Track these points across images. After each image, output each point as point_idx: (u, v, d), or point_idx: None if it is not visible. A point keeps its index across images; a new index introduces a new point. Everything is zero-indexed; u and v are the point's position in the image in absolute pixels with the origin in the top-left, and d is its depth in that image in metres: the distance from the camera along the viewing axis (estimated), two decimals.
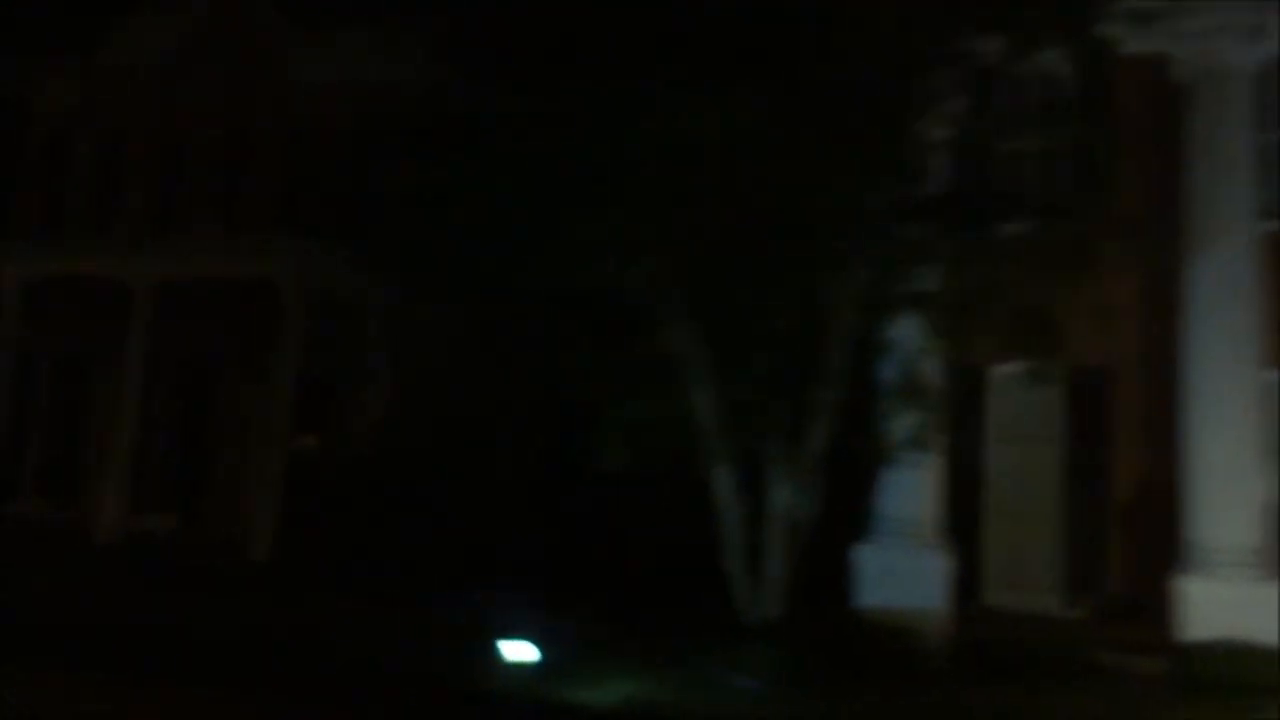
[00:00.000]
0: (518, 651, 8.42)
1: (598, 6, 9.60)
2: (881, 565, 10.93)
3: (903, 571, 10.83)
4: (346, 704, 8.00)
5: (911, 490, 11.14)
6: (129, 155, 19.06)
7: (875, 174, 8.92)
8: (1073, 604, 13.18)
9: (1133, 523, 12.87)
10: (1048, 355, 10.24)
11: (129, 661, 9.27)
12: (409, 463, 14.80)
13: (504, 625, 8.75)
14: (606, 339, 10.04)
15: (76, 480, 18.57)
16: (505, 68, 9.49)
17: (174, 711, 8.00)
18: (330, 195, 16.99)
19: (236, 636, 10.23)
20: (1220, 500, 11.11)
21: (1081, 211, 11.12)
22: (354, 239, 16.14)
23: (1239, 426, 11.15)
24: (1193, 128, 11.70)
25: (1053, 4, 9.61)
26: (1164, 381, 12.09)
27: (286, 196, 17.58)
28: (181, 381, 17.74)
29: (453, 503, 13.86)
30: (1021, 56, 9.17)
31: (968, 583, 12.28)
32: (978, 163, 11.02)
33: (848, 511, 11.88)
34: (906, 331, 10.57)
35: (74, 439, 18.75)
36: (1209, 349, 11.37)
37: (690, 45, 8.61)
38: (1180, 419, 11.65)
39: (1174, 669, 10.02)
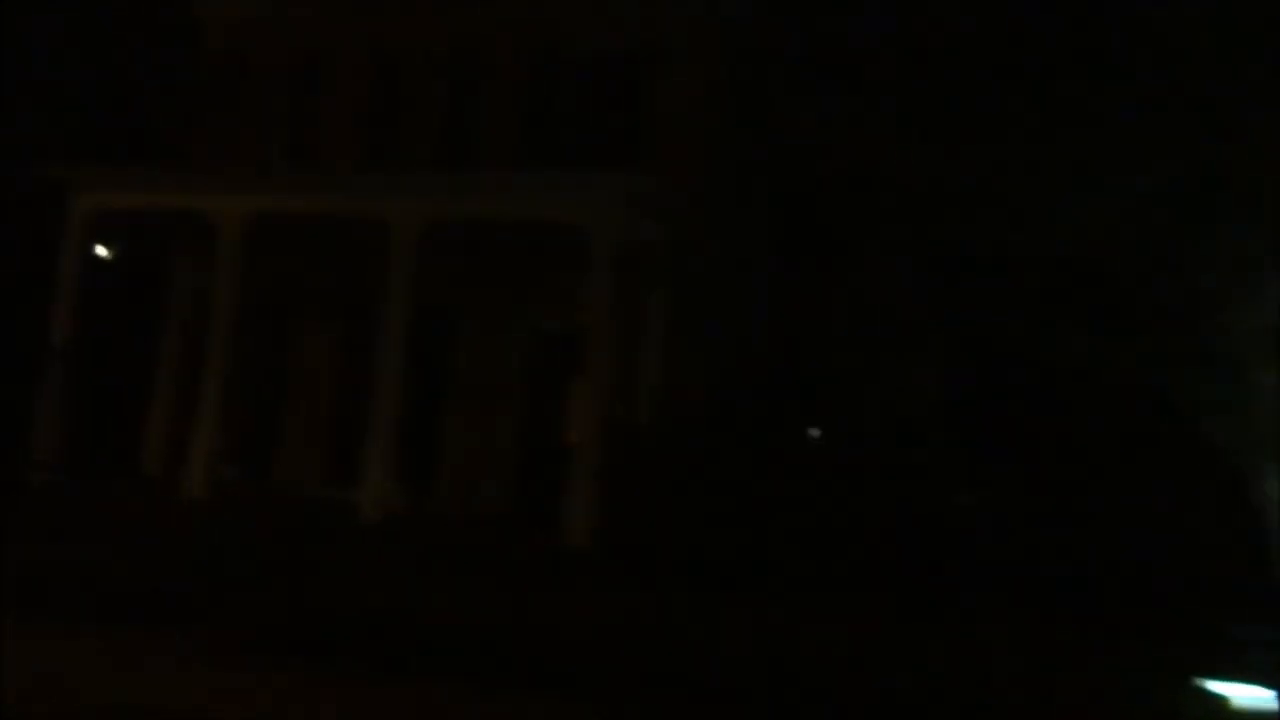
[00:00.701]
0: (1250, 697, 6.84)
1: None
2: None
3: None
4: None
5: None
6: (340, 77, 16.79)
7: None
8: None
9: None
10: None
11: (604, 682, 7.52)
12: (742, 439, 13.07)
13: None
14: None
15: (272, 449, 16.45)
16: None
17: None
18: (607, 126, 15.05)
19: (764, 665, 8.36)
20: None
21: None
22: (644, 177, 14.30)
23: None
24: None
25: None
26: None
27: (553, 128, 15.55)
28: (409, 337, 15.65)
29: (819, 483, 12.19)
30: None
31: None
32: None
33: None
34: None
35: (268, 402, 16.57)
36: None
37: None
38: None
39: None
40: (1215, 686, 6.95)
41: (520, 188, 13.34)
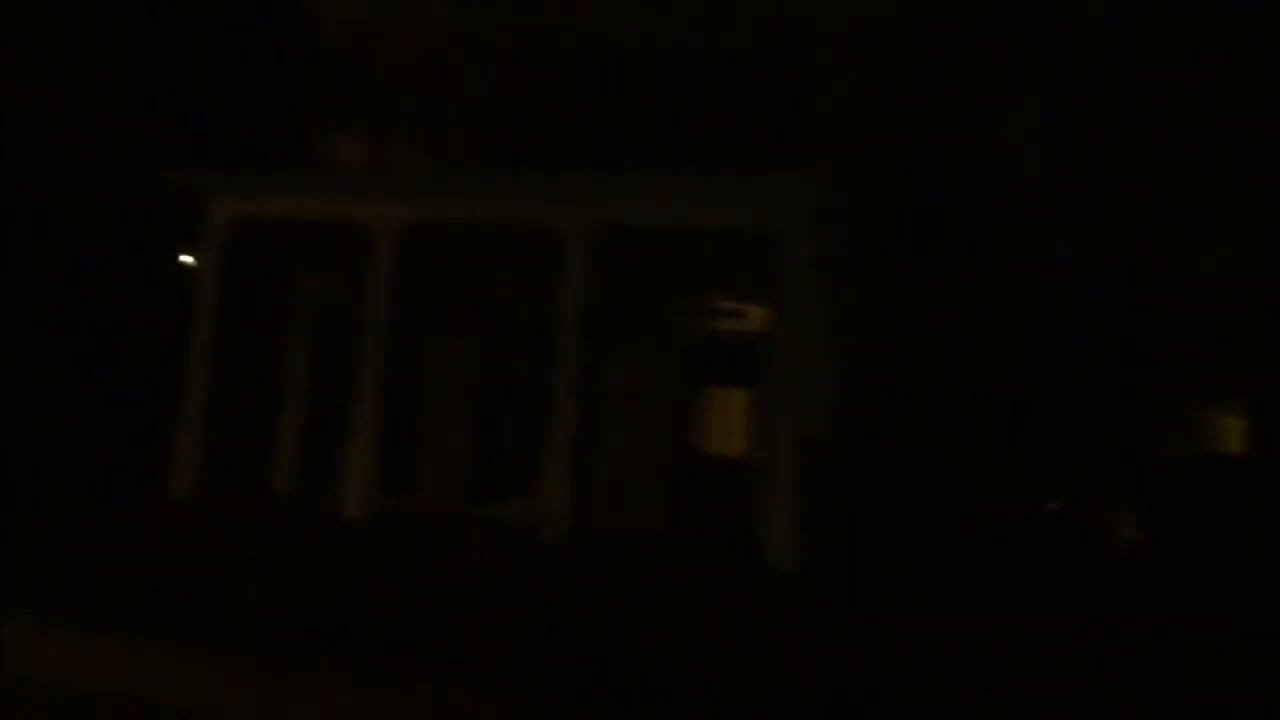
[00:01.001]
0: None
1: None
2: None
3: None
4: None
5: None
6: (467, 77, 16.17)
7: None
8: None
9: None
10: None
11: None
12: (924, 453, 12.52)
13: None
14: None
15: (415, 466, 15.78)
16: None
17: None
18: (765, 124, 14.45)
19: None
20: None
21: None
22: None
23: None
24: None
25: None
26: None
27: (697, 128, 14.94)
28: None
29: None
30: None
31: None
32: None
33: None
34: None
35: (406, 417, 15.90)
36: None
37: None
38: None
39: None
40: None
41: (704, 191, 12.68)
